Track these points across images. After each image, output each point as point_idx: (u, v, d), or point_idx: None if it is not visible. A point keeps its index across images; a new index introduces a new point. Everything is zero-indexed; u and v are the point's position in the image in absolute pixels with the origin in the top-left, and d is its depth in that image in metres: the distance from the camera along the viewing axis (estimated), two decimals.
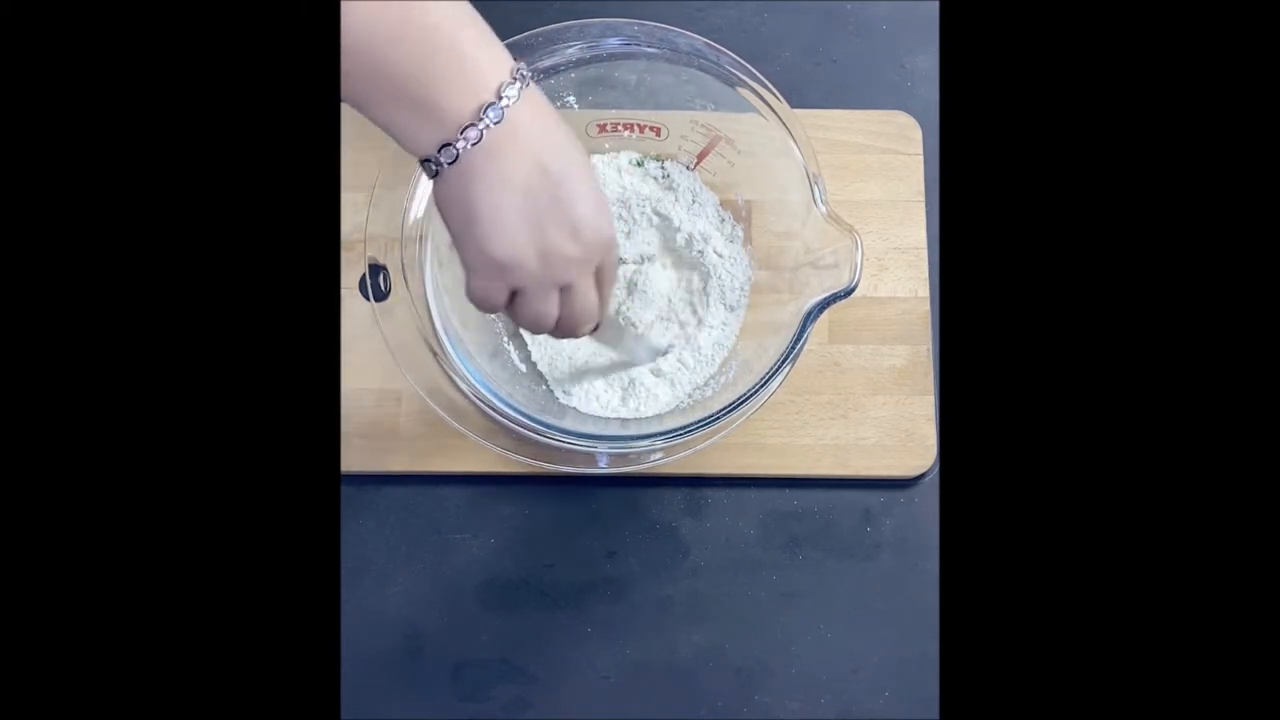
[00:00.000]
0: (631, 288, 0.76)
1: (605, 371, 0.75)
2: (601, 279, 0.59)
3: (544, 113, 0.54)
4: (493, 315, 0.76)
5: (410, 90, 0.50)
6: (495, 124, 0.51)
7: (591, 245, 0.56)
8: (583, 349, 0.76)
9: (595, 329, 0.63)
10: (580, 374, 0.75)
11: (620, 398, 0.74)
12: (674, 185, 0.77)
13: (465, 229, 0.53)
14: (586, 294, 0.58)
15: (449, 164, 0.52)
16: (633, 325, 0.75)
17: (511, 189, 0.52)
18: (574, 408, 0.74)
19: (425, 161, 0.53)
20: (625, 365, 0.75)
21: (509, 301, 0.57)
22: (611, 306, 0.73)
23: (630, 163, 0.77)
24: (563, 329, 0.60)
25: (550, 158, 0.53)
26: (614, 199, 0.77)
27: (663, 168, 0.77)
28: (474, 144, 0.51)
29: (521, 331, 0.76)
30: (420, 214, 0.70)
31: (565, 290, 0.57)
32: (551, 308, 0.57)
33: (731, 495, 0.75)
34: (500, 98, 0.51)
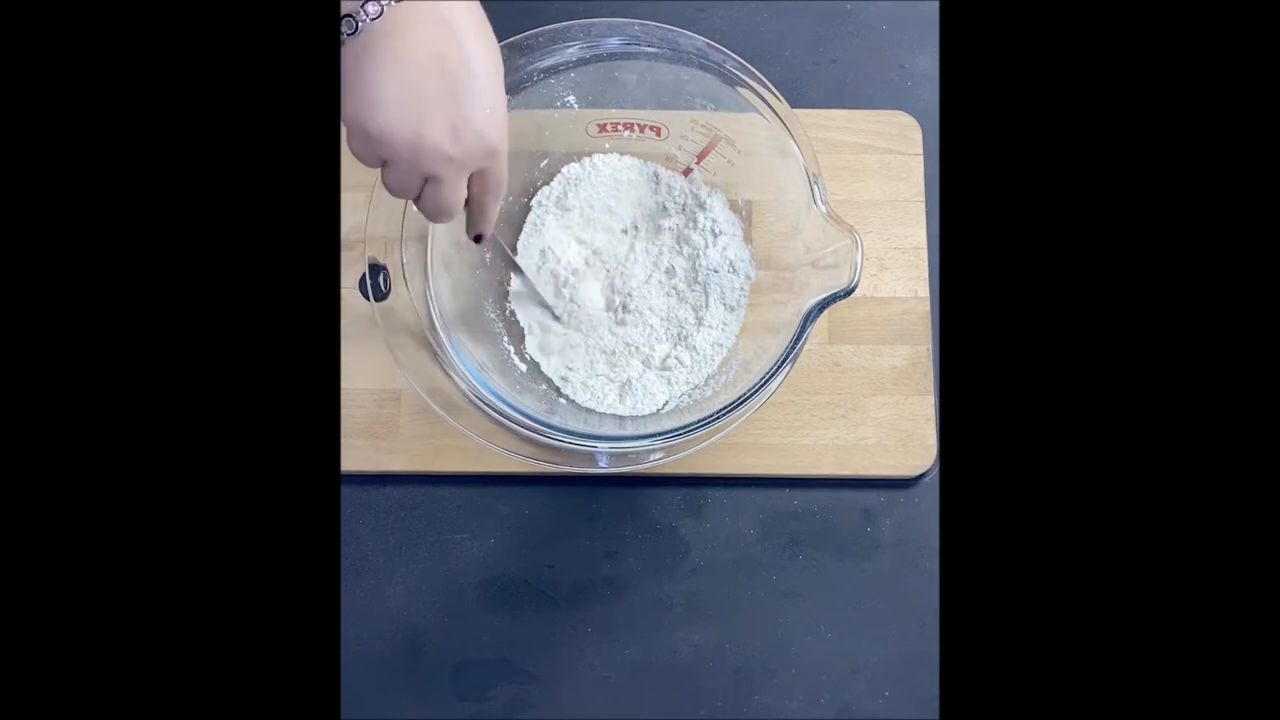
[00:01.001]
0: (624, 309, 0.76)
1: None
2: (483, 185, 0.61)
3: (463, 14, 0.55)
4: (492, 315, 0.76)
5: None
6: (397, 2, 0.53)
7: (470, 149, 0.57)
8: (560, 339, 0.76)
9: (479, 239, 0.65)
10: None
11: (618, 395, 0.74)
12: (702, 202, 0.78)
13: (347, 92, 0.55)
14: (453, 190, 0.59)
15: (349, 34, 0.54)
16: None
17: (401, 68, 0.54)
18: (572, 400, 0.74)
19: (345, 18, 0.55)
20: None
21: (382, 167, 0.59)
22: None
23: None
24: (422, 210, 0.61)
25: (452, 50, 0.55)
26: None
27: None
28: (373, 18, 0.53)
29: (517, 319, 0.76)
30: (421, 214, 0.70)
31: (430, 180, 0.58)
32: (412, 190, 0.59)
33: (731, 495, 0.75)
34: None
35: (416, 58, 0.54)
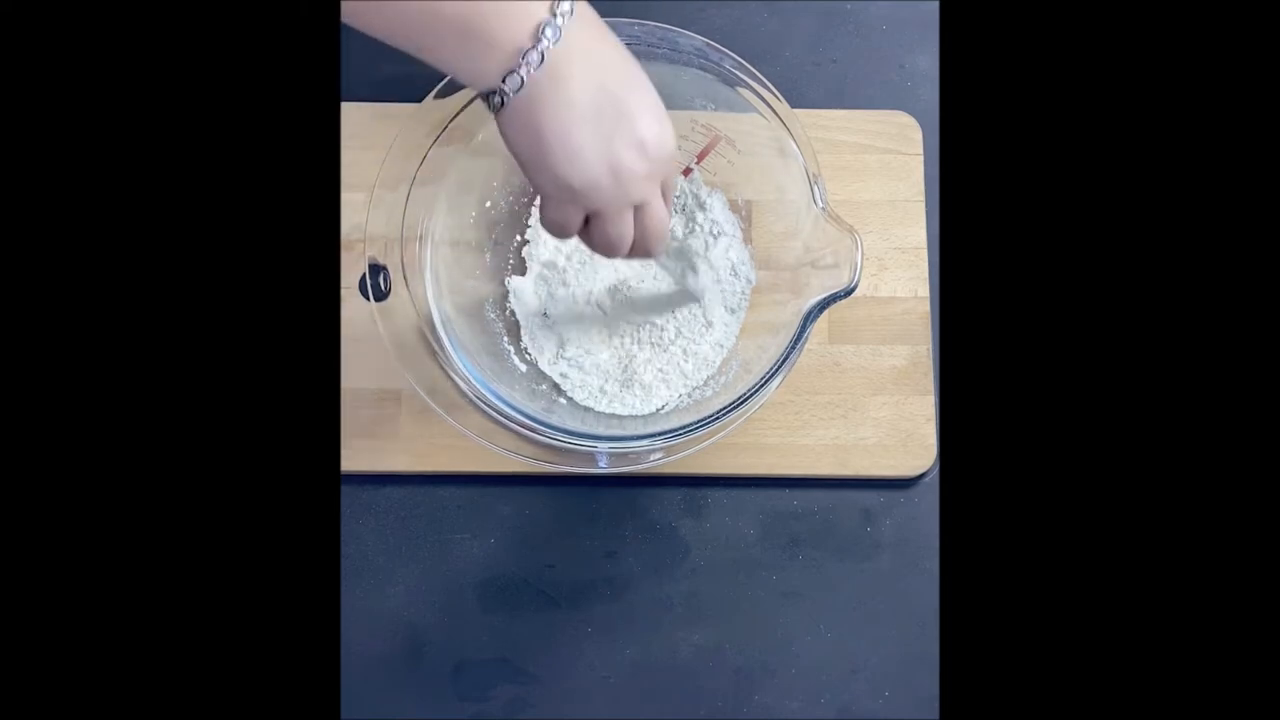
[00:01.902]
0: (625, 308, 0.76)
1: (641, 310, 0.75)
2: (665, 194, 0.59)
3: (597, 28, 0.53)
4: (492, 315, 0.76)
5: (464, 26, 0.50)
6: (555, 44, 0.50)
7: (658, 159, 0.55)
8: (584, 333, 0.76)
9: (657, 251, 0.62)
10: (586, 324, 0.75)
11: (618, 395, 0.74)
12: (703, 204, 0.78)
13: (538, 158, 0.53)
14: (659, 209, 0.57)
15: (514, 92, 0.50)
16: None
17: (578, 111, 0.51)
18: (572, 400, 0.74)
19: (489, 96, 0.52)
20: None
21: (584, 226, 0.57)
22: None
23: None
24: (639, 249, 0.59)
25: (611, 75, 0.53)
26: None
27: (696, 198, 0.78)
28: (537, 67, 0.50)
29: (517, 319, 0.76)
30: (420, 214, 0.70)
31: (639, 208, 0.56)
32: (627, 229, 0.57)
33: (731, 495, 0.75)
34: (555, 15, 0.50)
35: (589, 95, 0.52)
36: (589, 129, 0.52)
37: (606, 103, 0.52)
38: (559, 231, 0.56)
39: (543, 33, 0.49)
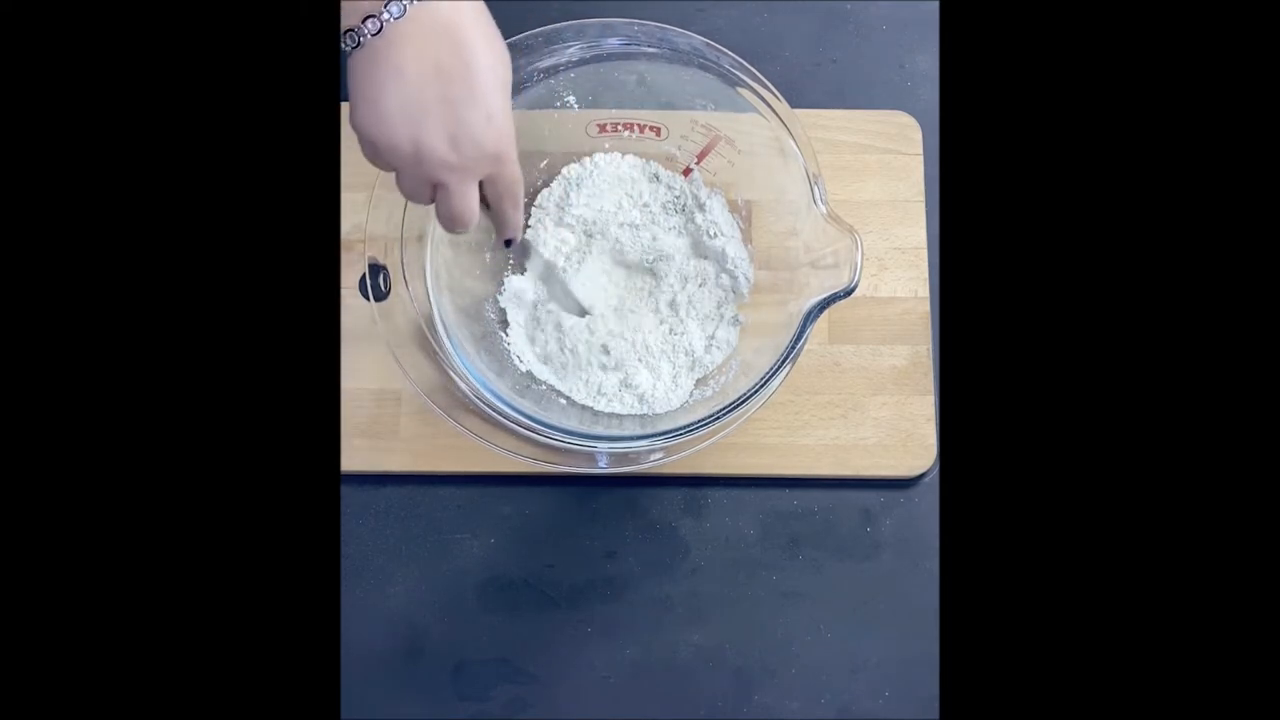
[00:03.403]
0: (624, 308, 0.76)
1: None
2: (496, 191, 0.62)
3: (463, 20, 0.56)
4: (492, 315, 0.76)
5: None
6: (396, 18, 0.55)
7: (469, 155, 0.58)
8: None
9: (508, 244, 0.66)
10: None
11: (617, 395, 0.74)
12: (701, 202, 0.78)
13: (352, 107, 0.57)
14: (460, 197, 0.60)
15: (352, 48, 0.56)
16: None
17: (401, 80, 0.55)
18: (571, 400, 0.74)
19: (345, 36, 0.56)
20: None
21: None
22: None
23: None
24: (439, 220, 0.62)
25: (451, 60, 0.56)
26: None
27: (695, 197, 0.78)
28: (373, 34, 0.55)
29: (507, 314, 0.76)
30: (420, 214, 0.70)
31: (439, 188, 0.59)
32: (424, 196, 0.61)
33: (731, 495, 0.75)
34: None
35: (417, 69, 0.55)
36: (403, 98, 0.56)
37: (433, 84, 0.56)
38: (371, 163, 0.60)
39: (387, 6, 0.55)
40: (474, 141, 0.58)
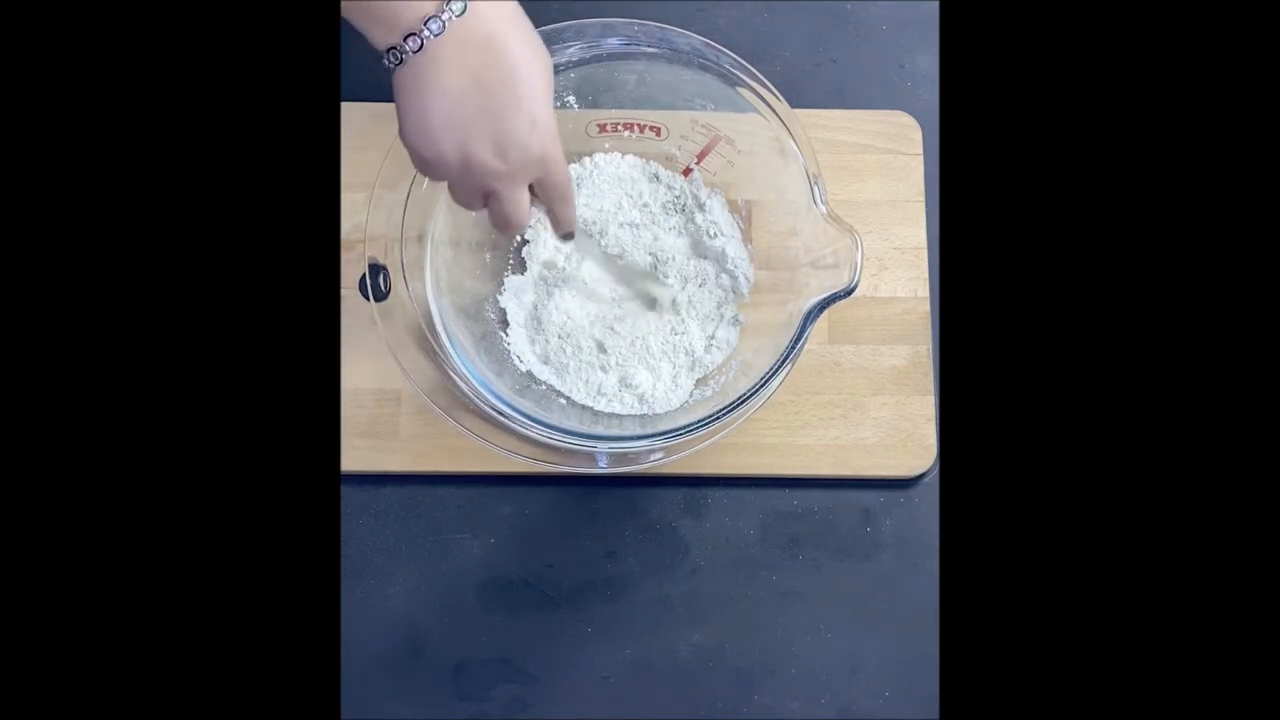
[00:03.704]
0: (624, 309, 0.76)
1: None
2: (546, 194, 0.63)
3: (501, 30, 0.57)
4: (492, 315, 0.76)
5: (373, 5, 0.56)
6: (436, 35, 0.55)
7: (516, 162, 0.59)
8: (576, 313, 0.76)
9: (567, 238, 0.68)
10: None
11: (617, 395, 0.74)
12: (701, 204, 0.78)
13: (401, 126, 0.59)
14: (512, 203, 0.61)
15: (395, 65, 0.57)
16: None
17: (441, 94, 0.56)
18: (571, 400, 0.74)
19: (383, 60, 0.57)
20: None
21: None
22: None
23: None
24: (493, 224, 0.63)
25: (491, 72, 0.57)
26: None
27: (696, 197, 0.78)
28: (415, 51, 0.56)
29: (506, 311, 0.76)
30: (420, 214, 0.70)
31: (490, 196, 0.61)
32: (477, 204, 0.62)
33: (731, 495, 0.75)
34: (443, 11, 0.56)
35: (459, 83, 0.56)
36: (447, 113, 0.57)
37: (475, 96, 0.57)
38: (463, 205, 0.63)
39: (427, 23, 0.55)
40: (520, 148, 0.58)
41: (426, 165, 0.59)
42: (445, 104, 0.56)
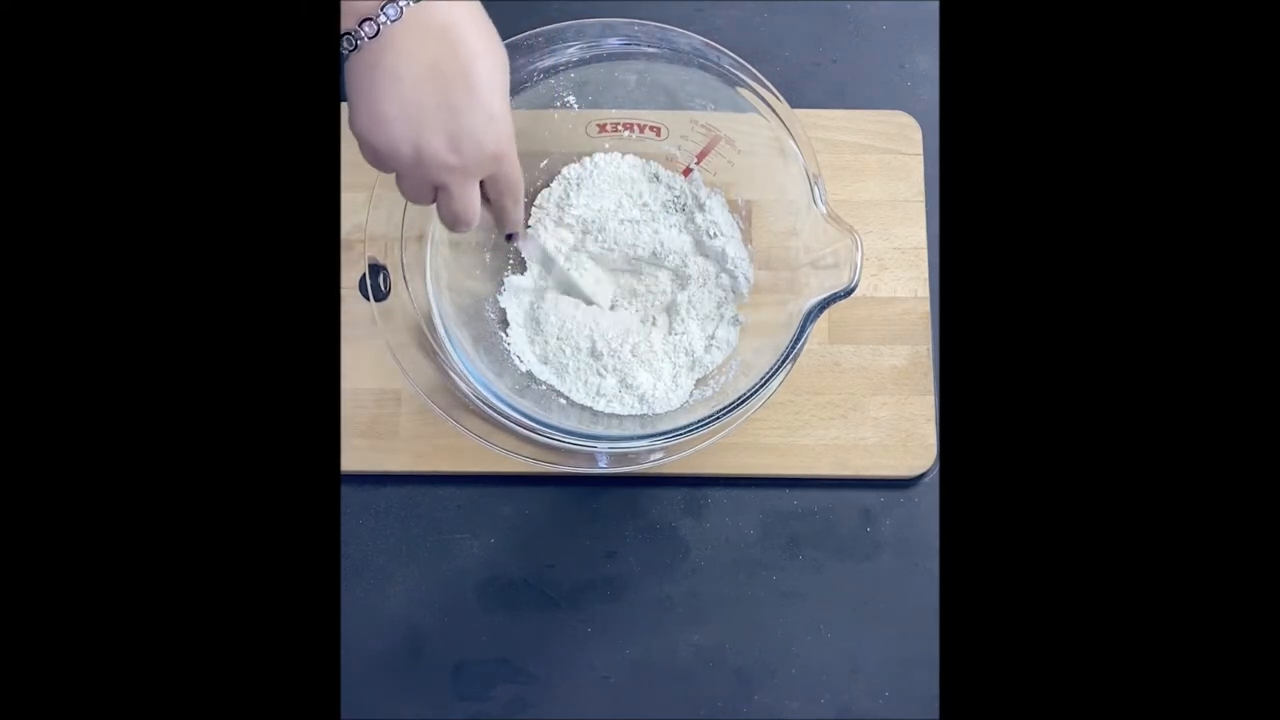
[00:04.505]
0: (624, 309, 0.76)
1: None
2: (498, 189, 0.62)
3: (460, 21, 0.56)
4: (492, 315, 0.76)
5: None
6: (393, 20, 0.55)
7: (470, 157, 0.58)
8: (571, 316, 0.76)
9: (510, 239, 0.68)
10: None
11: (617, 395, 0.74)
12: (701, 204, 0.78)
13: (352, 111, 0.57)
14: (462, 199, 0.60)
15: (350, 52, 0.55)
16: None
17: (399, 84, 0.55)
18: (571, 400, 0.74)
19: (342, 40, 0.56)
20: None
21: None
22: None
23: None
24: (442, 220, 0.63)
25: (448, 62, 0.56)
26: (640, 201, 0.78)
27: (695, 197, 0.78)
28: (370, 37, 0.55)
29: (507, 311, 0.76)
30: (420, 214, 0.70)
31: (440, 189, 0.60)
32: (426, 198, 0.61)
33: (731, 495, 0.75)
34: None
35: (413, 72, 0.55)
36: (401, 102, 0.56)
37: (431, 87, 0.56)
38: (373, 166, 0.60)
39: (383, 9, 0.55)
40: (474, 143, 0.58)
41: (378, 156, 0.58)
42: (400, 92, 0.55)
